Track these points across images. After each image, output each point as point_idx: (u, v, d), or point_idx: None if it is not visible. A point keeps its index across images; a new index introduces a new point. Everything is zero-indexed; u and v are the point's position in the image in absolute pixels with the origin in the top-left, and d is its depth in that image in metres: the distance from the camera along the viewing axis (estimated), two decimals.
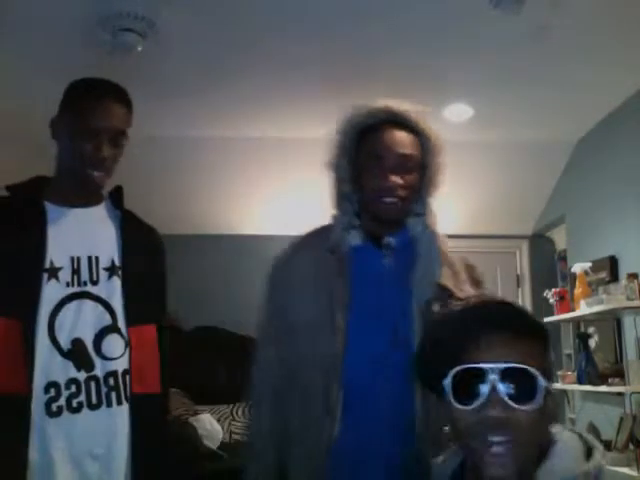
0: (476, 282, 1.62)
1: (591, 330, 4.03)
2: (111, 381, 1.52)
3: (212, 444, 3.76)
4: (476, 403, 1.00)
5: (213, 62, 3.36)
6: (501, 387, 1.00)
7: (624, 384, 3.21)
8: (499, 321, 1.05)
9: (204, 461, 3.55)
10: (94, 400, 1.50)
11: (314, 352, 1.49)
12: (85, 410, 1.48)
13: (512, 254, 5.19)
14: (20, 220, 1.53)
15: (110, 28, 2.90)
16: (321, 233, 1.63)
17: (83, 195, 1.61)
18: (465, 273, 1.60)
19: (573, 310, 3.74)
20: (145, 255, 1.68)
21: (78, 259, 1.55)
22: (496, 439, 0.99)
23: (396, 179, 1.51)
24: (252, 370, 1.60)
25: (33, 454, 1.43)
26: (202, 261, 4.70)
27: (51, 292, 1.51)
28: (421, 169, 1.56)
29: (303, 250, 1.64)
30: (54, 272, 1.52)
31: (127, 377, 1.54)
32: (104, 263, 1.58)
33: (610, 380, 3.34)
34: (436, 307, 1.48)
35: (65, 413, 1.46)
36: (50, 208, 1.57)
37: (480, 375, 1.01)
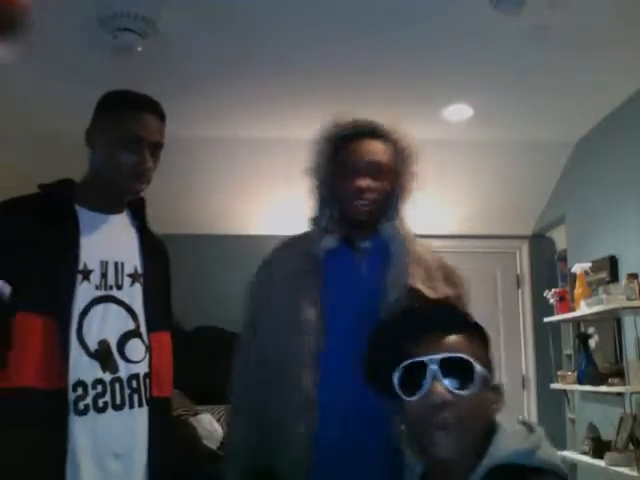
0: (452, 284, 1.68)
1: (591, 330, 4.03)
2: (134, 383, 1.57)
3: (212, 444, 3.76)
4: (420, 393, 1.13)
5: (213, 62, 3.36)
6: (440, 375, 1.12)
7: (624, 384, 3.21)
8: (438, 320, 1.19)
9: (204, 461, 3.54)
10: (118, 401, 1.54)
11: (286, 348, 1.59)
12: (110, 410, 1.53)
13: (512, 254, 5.19)
14: (53, 220, 1.56)
15: (110, 28, 2.90)
16: (302, 237, 1.74)
17: (111, 203, 1.66)
18: (440, 274, 1.68)
19: (573, 310, 3.73)
20: (159, 265, 1.75)
21: (106, 264, 1.60)
22: (439, 422, 1.10)
23: (364, 183, 1.61)
24: (234, 359, 1.70)
25: None
26: (202, 261, 4.70)
27: (83, 293, 1.55)
28: (393, 176, 1.66)
29: (284, 251, 1.74)
30: (87, 274, 1.56)
31: (147, 380, 1.59)
32: (128, 269, 1.64)
33: (610, 380, 3.33)
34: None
35: (91, 412, 1.50)
36: (81, 211, 1.61)
37: (422, 368, 1.14)
